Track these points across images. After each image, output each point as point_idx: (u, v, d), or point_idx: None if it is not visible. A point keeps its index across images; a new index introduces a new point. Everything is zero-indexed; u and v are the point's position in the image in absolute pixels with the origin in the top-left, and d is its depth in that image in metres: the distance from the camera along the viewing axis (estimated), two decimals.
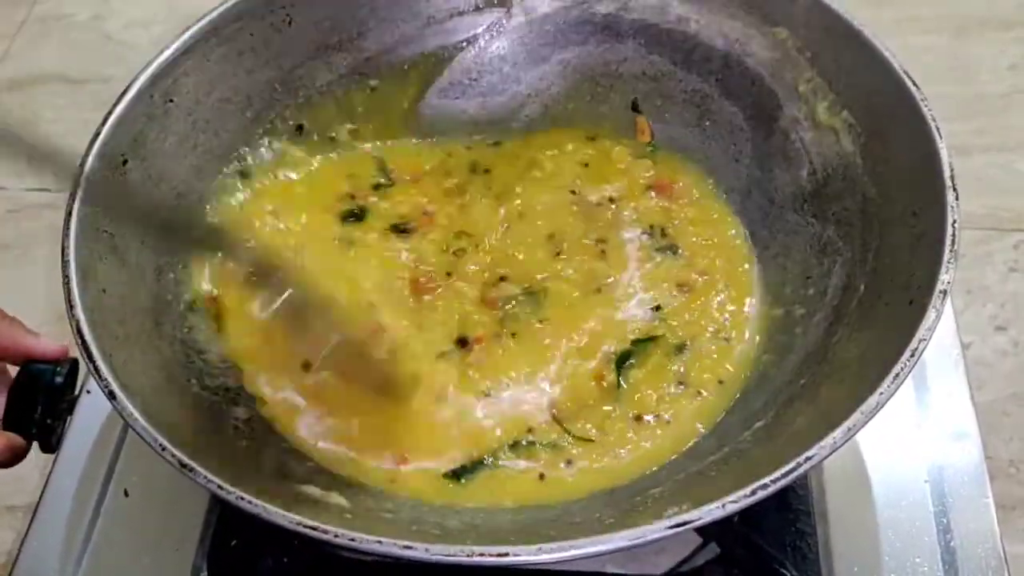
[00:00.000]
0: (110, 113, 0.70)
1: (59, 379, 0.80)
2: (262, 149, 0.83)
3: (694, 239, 0.81)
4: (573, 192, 0.84)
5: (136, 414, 0.57)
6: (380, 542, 0.52)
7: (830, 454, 0.54)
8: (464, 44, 0.86)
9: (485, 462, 0.70)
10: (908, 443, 0.77)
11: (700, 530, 0.67)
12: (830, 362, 0.66)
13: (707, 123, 0.84)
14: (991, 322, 1.08)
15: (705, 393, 0.72)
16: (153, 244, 0.71)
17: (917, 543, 0.72)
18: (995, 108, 1.26)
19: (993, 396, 1.04)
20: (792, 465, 0.53)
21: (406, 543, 0.53)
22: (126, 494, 0.78)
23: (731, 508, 0.52)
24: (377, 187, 0.85)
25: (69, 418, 0.78)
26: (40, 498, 0.79)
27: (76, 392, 0.69)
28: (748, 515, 0.69)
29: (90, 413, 0.80)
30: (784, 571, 0.69)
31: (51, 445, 0.80)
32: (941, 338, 0.83)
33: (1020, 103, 1.26)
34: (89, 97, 1.35)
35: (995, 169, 1.20)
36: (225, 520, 0.74)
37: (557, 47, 0.87)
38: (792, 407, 0.65)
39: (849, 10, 0.75)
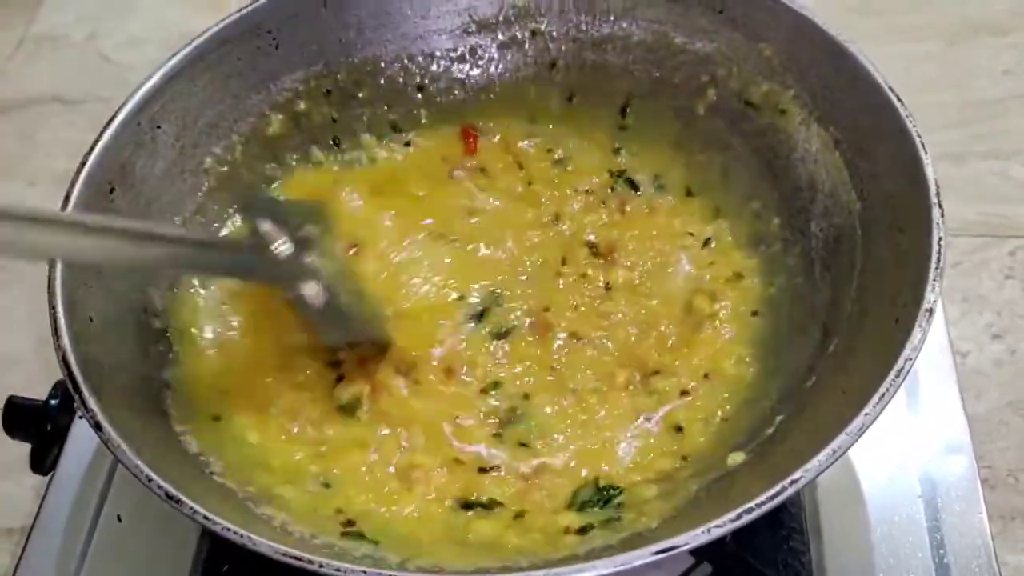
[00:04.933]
0: (97, 141, 0.71)
1: (53, 402, 0.81)
2: None
3: None
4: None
5: (123, 445, 0.57)
6: (365, 572, 0.52)
7: (816, 476, 0.54)
8: (449, 66, 0.87)
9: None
10: (901, 458, 0.77)
11: (692, 550, 0.67)
12: (818, 382, 0.65)
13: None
14: (987, 330, 1.08)
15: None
16: (139, 271, 0.71)
17: (911, 559, 0.72)
18: (990, 114, 1.25)
19: (990, 405, 1.03)
20: (777, 488, 0.53)
21: (391, 572, 0.53)
22: (119, 519, 0.78)
23: (716, 532, 0.52)
24: None
25: (63, 442, 0.79)
26: (34, 522, 0.79)
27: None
28: (741, 534, 0.69)
29: (84, 438, 0.81)
30: None
31: (44, 467, 0.81)
32: (933, 350, 0.83)
33: (1015, 109, 1.25)
34: (84, 118, 1.35)
35: (991, 176, 1.20)
36: (217, 546, 0.74)
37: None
38: (780, 427, 0.65)
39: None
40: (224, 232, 0.81)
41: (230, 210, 0.81)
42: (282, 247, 0.66)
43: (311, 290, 0.67)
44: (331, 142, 0.86)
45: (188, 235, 0.67)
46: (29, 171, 1.31)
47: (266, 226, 0.66)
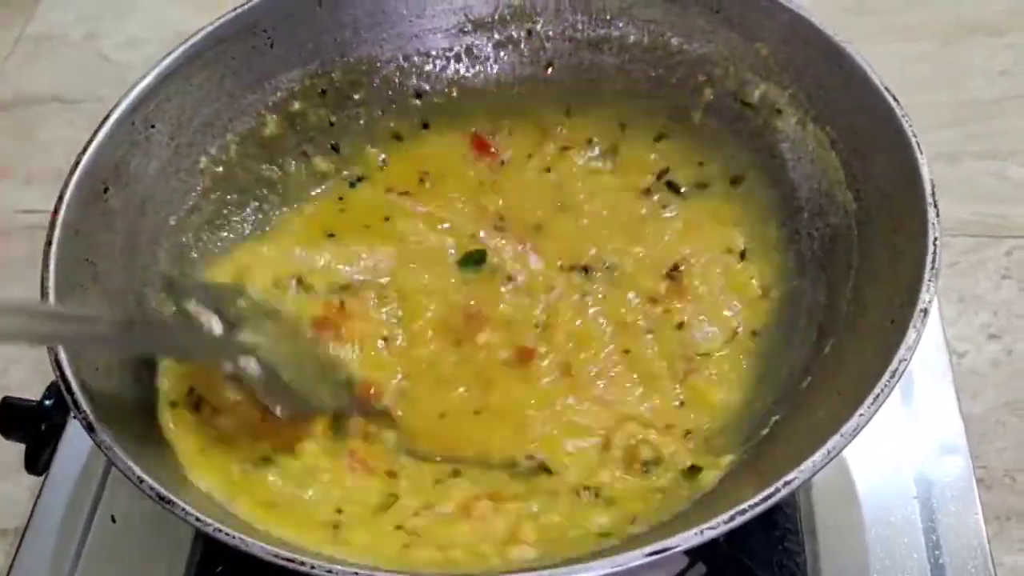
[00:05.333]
0: (91, 140, 0.70)
1: (47, 403, 0.81)
2: None
3: None
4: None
5: (115, 446, 0.57)
6: (357, 573, 0.52)
7: (810, 477, 0.54)
8: (445, 66, 0.86)
9: None
10: (896, 458, 0.77)
11: (687, 551, 0.67)
12: (813, 382, 0.65)
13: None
14: (984, 330, 1.08)
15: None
16: (135, 271, 0.71)
17: (906, 560, 0.72)
18: (987, 114, 1.25)
19: (987, 405, 1.03)
20: (771, 490, 0.53)
21: (384, 571, 0.53)
22: (113, 520, 0.78)
23: (709, 534, 0.52)
24: None
25: (57, 443, 0.79)
26: (28, 522, 0.79)
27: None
28: (735, 534, 0.69)
29: (78, 439, 0.81)
30: None
31: (38, 468, 0.81)
32: (929, 350, 0.82)
33: (1012, 109, 1.25)
34: (83, 117, 1.35)
35: (987, 176, 1.20)
36: (210, 547, 0.74)
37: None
38: (776, 427, 0.65)
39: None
40: (224, 236, 0.81)
41: (225, 213, 0.81)
42: (213, 325, 0.65)
43: (249, 366, 0.65)
44: (330, 147, 0.86)
45: (114, 318, 0.65)
46: (27, 170, 1.31)
47: (193, 306, 0.66)
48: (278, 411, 0.67)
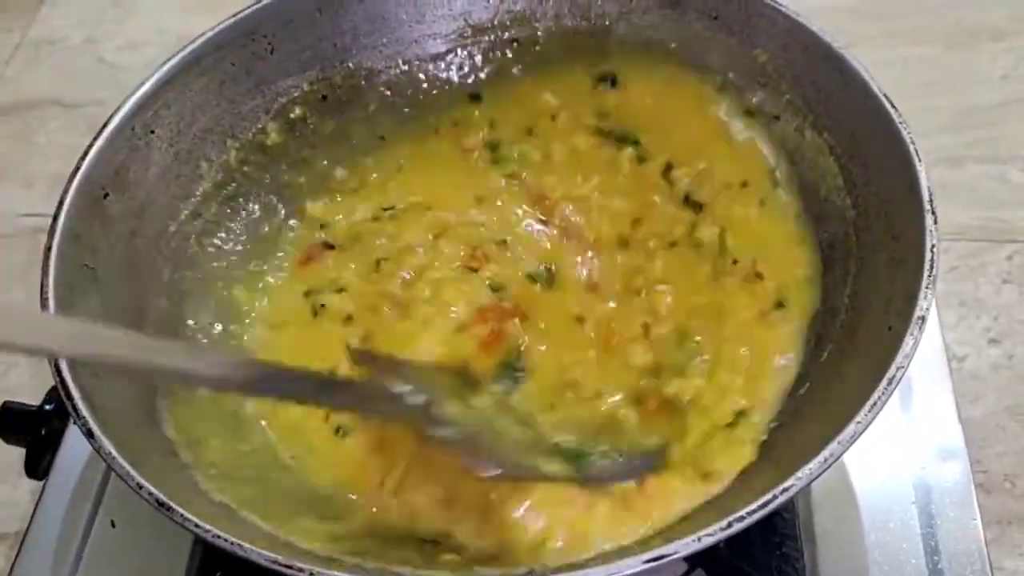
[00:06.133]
0: (90, 147, 0.70)
1: (48, 407, 0.81)
2: None
3: None
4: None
5: (113, 452, 0.57)
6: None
7: (807, 484, 0.54)
8: (446, 71, 0.87)
9: None
10: (895, 464, 0.77)
11: (686, 557, 0.67)
12: (811, 389, 0.65)
13: None
14: (985, 335, 1.08)
15: None
16: (135, 277, 0.71)
17: (905, 566, 0.72)
18: (988, 119, 1.25)
19: (988, 410, 1.03)
20: (768, 497, 0.53)
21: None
22: (113, 524, 0.78)
23: (707, 541, 0.52)
24: None
25: (57, 447, 0.79)
26: (28, 527, 0.79)
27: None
28: (734, 540, 0.69)
29: (78, 443, 0.81)
30: None
31: (39, 472, 0.81)
32: (928, 356, 0.82)
33: (1013, 113, 1.25)
34: (83, 121, 1.35)
35: (988, 180, 1.20)
36: (210, 552, 0.74)
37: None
38: (773, 435, 0.65)
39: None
40: (218, 237, 0.81)
41: (226, 219, 0.81)
42: (411, 397, 0.62)
43: (448, 433, 0.62)
44: (331, 153, 0.86)
45: (313, 376, 0.64)
46: (26, 174, 1.31)
47: (388, 378, 0.63)
48: (485, 473, 0.61)
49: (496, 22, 0.85)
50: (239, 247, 0.81)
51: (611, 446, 0.68)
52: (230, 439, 0.70)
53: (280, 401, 0.72)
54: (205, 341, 0.76)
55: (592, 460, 0.65)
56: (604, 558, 0.58)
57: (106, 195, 0.71)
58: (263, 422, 0.73)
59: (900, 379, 0.56)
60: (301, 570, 0.52)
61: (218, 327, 0.77)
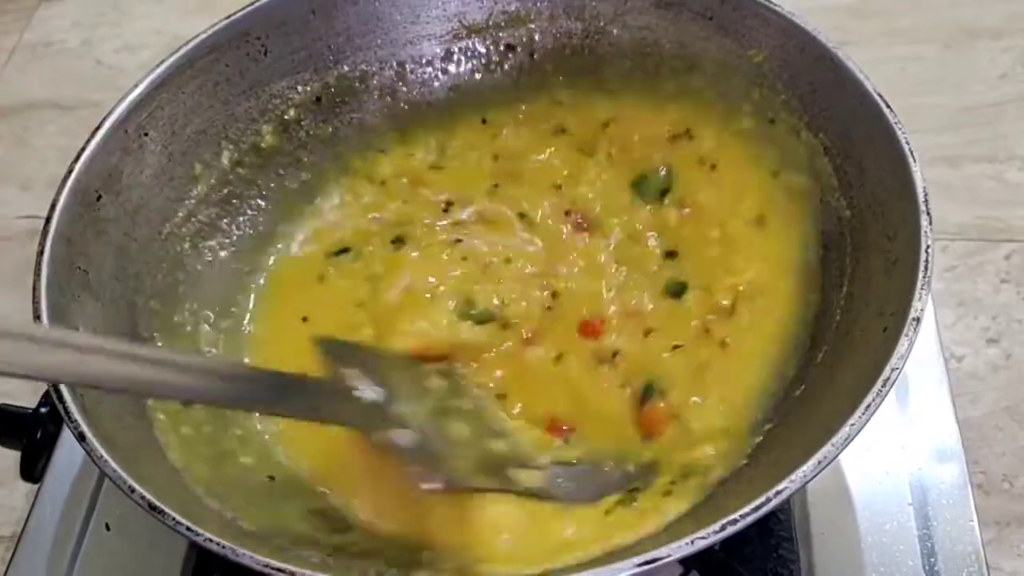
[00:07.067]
0: (83, 149, 0.70)
1: (43, 410, 0.81)
2: None
3: None
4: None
5: (106, 455, 0.57)
6: None
7: (801, 487, 0.53)
8: (441, 71, 0.86)
9: None
10: (892, 465, 0.77)
11: (681, 559, 0.67)
12: (805, 390, 0.65)
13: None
14: (983, 334, 1.07)
15: None
16: (128, 280, 0.71)
17: (901, 567, 0.72)
18: (986, 118, 1.25)
19: (986, 410, 1.02)
20: (762, 500, 0.53)
21: None
22: (108, 528, 0.78)
23: (700, 544, 0.52)
24: None
25: (52, 450, 0.79)
26: (23, 530, 0.79)
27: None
28: (730, 542, 0.69)
29: (73, 446, 0.80)
30: None
31: (34, 475, 0.81)
32: (925, 356, 0.82)
33: (1011, 113, 1.25)
34: (79, 123, 1.35)
35: (987, 179, 1.19)
36: (205, 555, 0.74)
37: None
38: (769, 436, 0.64)
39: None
40: (213, 239, 0.81)
41: (220, 221, 0.81)
42: (368, 393, 0.61)
43: (402, 439, 0.61)
44: (325, 154, 0.86)
45: (261, 374, 0.62)
46: (23, 176, 1.31)
47: (348, 371, 0.62)
48: (425, 485, 0.61)
49: (490, 23, 0.85)
50: (233, 249, 0.81)
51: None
52: (221, 441, 0.70)
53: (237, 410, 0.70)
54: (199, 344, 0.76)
55: (558, 480, 0.65)
56: (596, 562, 0.58)
57: (99, 197, 0.71)
58: (258, 425, 0.73)
59: (895, 381, 0.56)
60: (294, 574, 0.52)
61: (210, 330, 0.77)
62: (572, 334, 0.77)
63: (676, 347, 0.73)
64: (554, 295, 0.79)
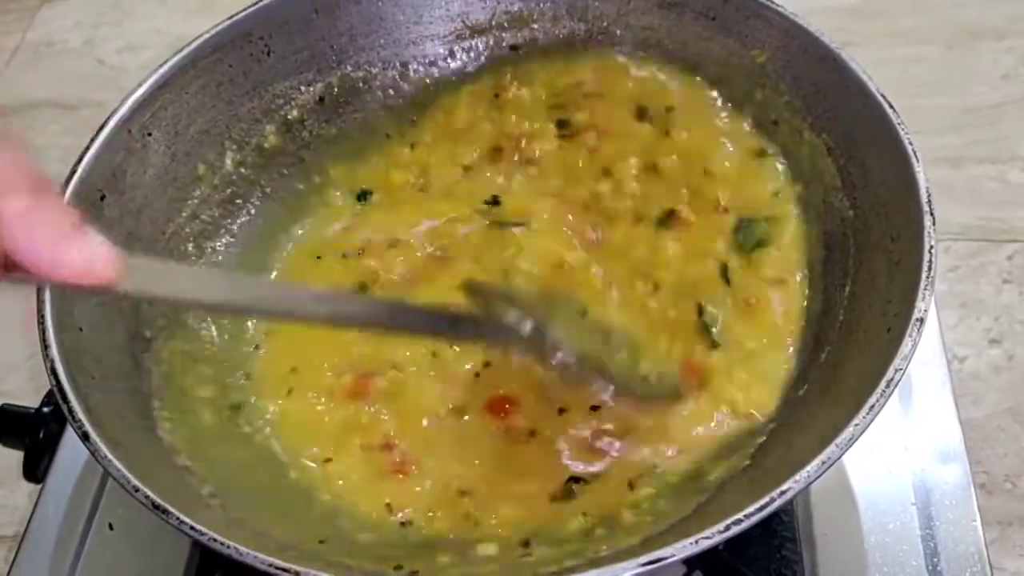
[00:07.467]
0: (87, 149, 0.70)
1: (46, 410, 0.81)
2: None
3: None
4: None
5: (109, 455, 0.57)
6: None
7: (805, 487, 0.54)
8: (444, 71, 0.86)
9: None
10: (895, 465, 0.77)
11: (685, 559, 0.67)
12: (809, 390, 0.65)
13: None
14: (985, 335, 1.07)
15: None
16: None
17: (904, 567, 0.72)
18: (988, 119, 1.25)
19: (988, 410, 1.02)
20: (765, 500, 0.53)
21: None
22: (111, 527, 0.78)
23: (704, 544, 0.52)
24: None
25: (55, 450, 0.79)
26: (26, 529, 0.79)
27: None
28: (733, 542, 0.69)
29: (76, 446, 0.80)
30: None
31: (37, 475, 0.81)
32: (928, 356, 0.82)
33: (1013, 114, 1.25)
34: (82, 122, 1.35)
35: (989, 180, 1.19)
36: (208, 555, 0.74)
37: None
38: (772, 437, 0.64)
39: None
40: (216, 239, 0.81)
41: (223, 221, 0.81)
42: (524, 326, 0.64)
43: (564, 358, 0.65)
44: (328, 154, 0.86)
45: (439, 310, 0.66)
46: None
47: (500, 308, 0.65)
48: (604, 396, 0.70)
49: (493, 23, 0.85)
50: (237, 249, 0.81)
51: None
52: (225, 440, 0.70)
53: (413, 337, 0.75)
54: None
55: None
56: (599, 562, 0.58)
57: (103, 197, 0.71)
58: (267, 428, 0.73)
59: (898, 381, 0.56)
60: (298, 573, 0.52)
61: (215, 329, 0.77)
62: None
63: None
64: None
